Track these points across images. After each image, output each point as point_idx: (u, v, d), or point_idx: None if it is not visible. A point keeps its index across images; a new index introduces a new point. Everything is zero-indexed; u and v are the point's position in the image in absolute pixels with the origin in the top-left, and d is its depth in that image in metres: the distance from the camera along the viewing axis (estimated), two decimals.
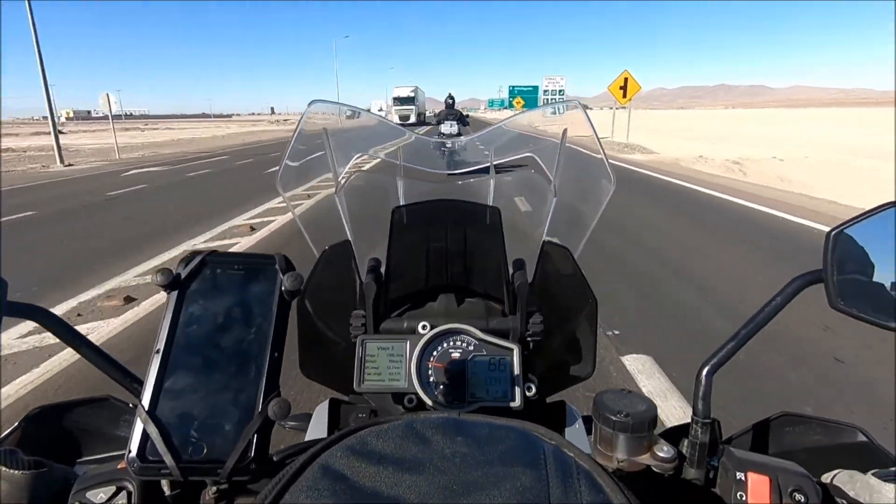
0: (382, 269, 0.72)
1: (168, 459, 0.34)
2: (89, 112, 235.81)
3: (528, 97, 45.45)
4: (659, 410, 0.51)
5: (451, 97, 12.25)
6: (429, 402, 0.63)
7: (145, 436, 0.34)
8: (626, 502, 0.29)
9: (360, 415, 0.67)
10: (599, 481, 0.30)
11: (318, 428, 0.70)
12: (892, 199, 0.47)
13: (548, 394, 0.72)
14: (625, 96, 20.36)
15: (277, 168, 0.72)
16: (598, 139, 0.71)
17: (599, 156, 0.73)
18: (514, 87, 47.47)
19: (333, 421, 0.71)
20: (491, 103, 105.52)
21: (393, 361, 0.66)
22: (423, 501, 0.27)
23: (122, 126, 72.51)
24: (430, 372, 0.66)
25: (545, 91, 45.49)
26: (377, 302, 0.69)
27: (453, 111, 11.95)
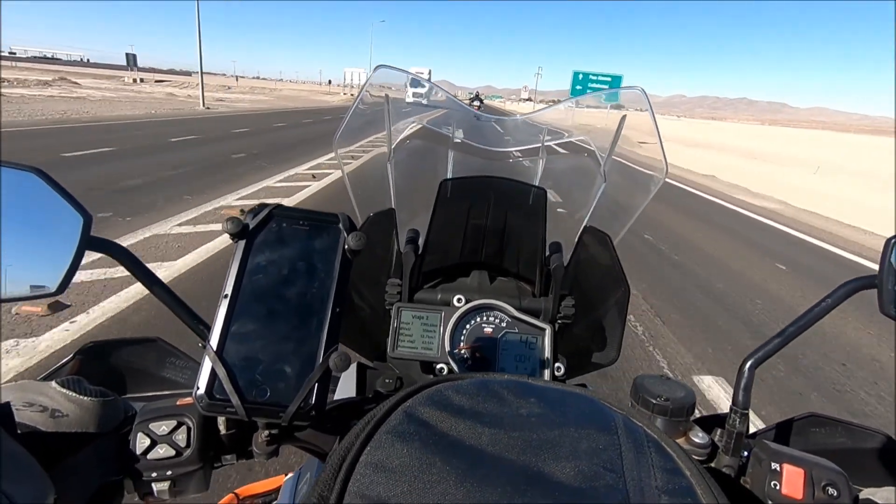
0: (420, 241, 0.73)
1: (234, 399, 0.35)
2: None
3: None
4: None
5: (478, 91, 27.78)
6: (458, 373, 0.63)
7: (213, 375, 0.35)
8: (696, 472, 0.29)
9: (386, 380, 0.68)
10: (669, 451, 0.31)
11: (346, 389, 0.71)
12: None
13: (570, 376, 0.72)
14: None
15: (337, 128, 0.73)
16: (657, 126, 0.71)
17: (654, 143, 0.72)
18: (582, 73, 25.55)
19: (361, 383, 0.72)
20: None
21: (427, 331, 0.67)
22: (503, 454, 0.28)
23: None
24: (461, 344, 0.67)
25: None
26: (413, 272, 0.70)
27: (478, 98, 44.16)
